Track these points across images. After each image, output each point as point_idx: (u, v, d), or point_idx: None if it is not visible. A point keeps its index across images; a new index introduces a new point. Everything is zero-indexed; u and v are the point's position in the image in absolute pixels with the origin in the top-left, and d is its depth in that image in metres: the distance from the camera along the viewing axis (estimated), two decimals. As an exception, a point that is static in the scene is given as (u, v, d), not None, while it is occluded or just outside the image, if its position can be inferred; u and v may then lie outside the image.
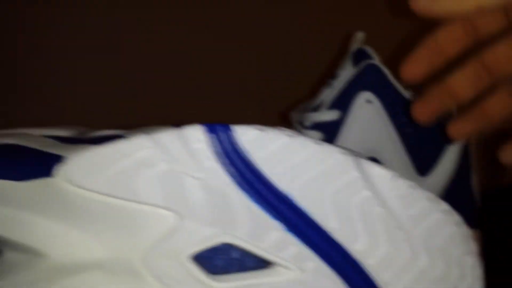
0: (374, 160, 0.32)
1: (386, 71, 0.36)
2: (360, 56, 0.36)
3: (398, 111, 0.35)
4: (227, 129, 0.23)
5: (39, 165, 0.22)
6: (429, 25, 0.29)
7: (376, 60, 0.36)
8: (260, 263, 0.24)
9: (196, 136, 0.23)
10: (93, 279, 0.23)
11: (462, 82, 0.29)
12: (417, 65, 0.28)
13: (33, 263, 0.23)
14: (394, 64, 0.31)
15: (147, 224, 0.23)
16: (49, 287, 0.23)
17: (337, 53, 0.44)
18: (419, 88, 0.32)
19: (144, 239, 0.23)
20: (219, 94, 0.57)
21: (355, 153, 0.24)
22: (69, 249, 0.23)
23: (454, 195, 0.36)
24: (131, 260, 0.23)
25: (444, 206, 0.25)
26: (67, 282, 0.23)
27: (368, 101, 0.34)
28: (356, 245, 0.24)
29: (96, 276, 0.23)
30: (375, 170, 0.24)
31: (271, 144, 0.23)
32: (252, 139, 0.23)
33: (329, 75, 0.38)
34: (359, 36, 0.38)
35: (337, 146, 0.24)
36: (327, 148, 0.23)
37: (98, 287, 0.23)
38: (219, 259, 0.24)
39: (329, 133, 0.36)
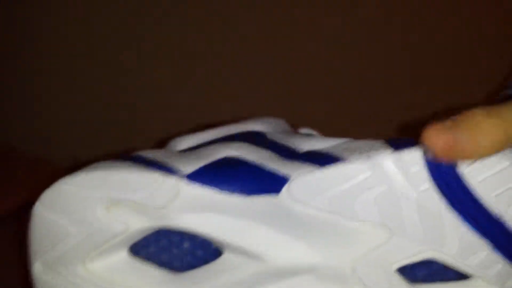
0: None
1: None
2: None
3: None
4: None
5: (267, 183, 0.25)
6: None
7: None
8: (461, 275, 0.26)
9: (414, 160, 0.24)
10: (305, 282, 0.25)
11: None
12: None
13: (250, 265, 0.25)
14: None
15: (360, 238, 0.25)
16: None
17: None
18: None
19: (356, 250, 0.25)
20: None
21: None
22: (286, 255, 0.25)
23: None
24: (342, 268, 0.25)
25: None
26: (282, 284, 0.25)
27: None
28: None
29: (308, 280, 0.25)
30: None
31: (491, 168, 0.24)
32: (473, 163, 0.24)
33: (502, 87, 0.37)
34: None
35: None
36: None
37: None
38: (421, 270, 0.26)
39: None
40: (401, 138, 0.26)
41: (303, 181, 0.25)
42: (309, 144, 0.27)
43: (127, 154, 0.27)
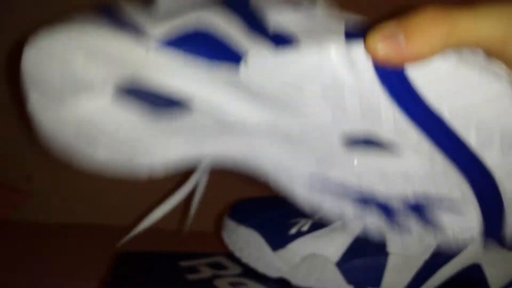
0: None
1: None
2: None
3: None
4: None
5: (228, 57, 0.27)
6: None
7: None
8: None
9: (361, 53, 0.25)
10: (256, 139, 0.30)
11: None
12: None
13: (213, 117, 0.29)
14: None
15: (307, 114, 0.28)
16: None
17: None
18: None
19: (301, 120, 0.28)
20: None
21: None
22: (240, 112, 0.29)
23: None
24: (288, 129, 0.29)
25: None
26: (237, 136, 0.30)
27: None
28: (489, 157, 0.27)
29: (259, 137, 0.29)
30: None
31: (433, 68, 0.24)
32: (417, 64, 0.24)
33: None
34: None
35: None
36: (489, 77, 0.24)
37: (266, 149, 0.30)
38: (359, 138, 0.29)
39: None
40: (361, 26, 0.26)
41: (257, 63, 0.27)
42: (282, 18, 0.28)
43: (108, 8, 0.29)
